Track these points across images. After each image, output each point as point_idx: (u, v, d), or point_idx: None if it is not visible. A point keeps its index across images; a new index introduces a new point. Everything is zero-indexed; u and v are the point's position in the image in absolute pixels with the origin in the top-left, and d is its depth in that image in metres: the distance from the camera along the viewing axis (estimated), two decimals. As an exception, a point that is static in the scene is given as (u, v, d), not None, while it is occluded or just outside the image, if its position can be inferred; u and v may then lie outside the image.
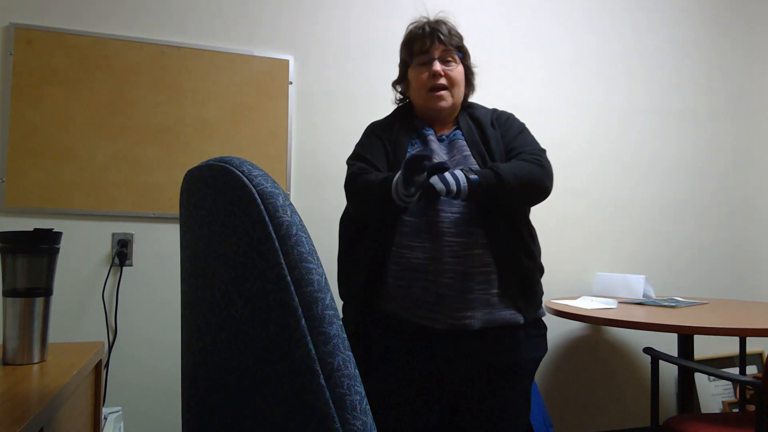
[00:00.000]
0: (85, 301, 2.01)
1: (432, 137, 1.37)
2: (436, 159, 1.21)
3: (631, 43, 2.80)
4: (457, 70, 1.40)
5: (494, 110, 1.47)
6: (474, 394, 1.30)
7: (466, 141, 1.36)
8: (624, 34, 2.80)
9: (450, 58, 1.39)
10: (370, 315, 1.31)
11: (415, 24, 1.44)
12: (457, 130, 1.40)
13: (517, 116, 1.48)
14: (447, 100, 1.38)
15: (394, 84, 1.52)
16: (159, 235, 2.10)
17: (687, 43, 2.91)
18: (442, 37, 1.37)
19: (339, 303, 1.24)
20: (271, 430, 0.54)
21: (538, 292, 1.35)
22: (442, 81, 1.36)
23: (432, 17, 1.43)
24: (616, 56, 2.78)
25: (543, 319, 1.38)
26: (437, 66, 1.36)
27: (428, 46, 1.37)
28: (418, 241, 1.26)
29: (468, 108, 1.48)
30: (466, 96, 1.48)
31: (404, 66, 1.46)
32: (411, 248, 1.26)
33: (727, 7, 3.00)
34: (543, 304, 1.38)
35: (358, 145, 1.44)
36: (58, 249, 1.00)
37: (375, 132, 1.43)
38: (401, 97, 1.52)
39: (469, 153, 1.33)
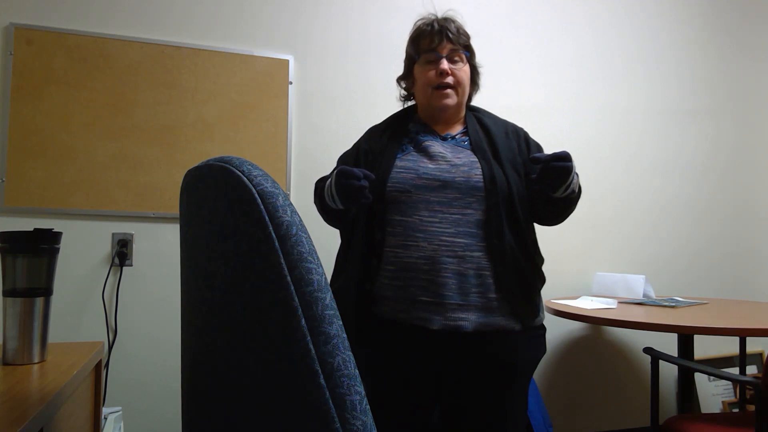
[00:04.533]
0: (85, 301, 2.01)
1: (430, 143, 1.36)
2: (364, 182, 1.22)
3: (631, 42, 2.80)
4: (464, 70, 1.39)
5: (507, 122, 1.47)
6: (473, 394, 1.30)
7: (472, 146, 1.36)
8: (624, 33, 2.80)
9: (457, 58, 1.38)
10: (368, 315, 1.31)
11: (423, 20, 1.42)
12: (465, 135, 1.40)
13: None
14: (452, 98, 1.37)
15: (399, 80, 1.51)
16: (159, 235, 2.10)
17: (688, 42, 2.91)
18: (450, 35, 1.36)
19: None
20: (271, 430, 0.54)
21: (537, 301, 1.34)
22: (449, 80, 1.36)
23: (440, 15, 1.42)
24: (617, 56, 2.78)
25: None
26: (445, 64, 1.35)
27: (436, 43, 1.36)
28: (412, 240, 1.26)
29: (474, 111, 1.47)
30: (471, 96, 1.48)
31: (410, 62, 1.45)
32: (406, 247, 1.26)
33: (727, 7, 3.00)
34: (542, 311, 1.37)
35: (343, 154, 1.48)
36: (58, 249, 1.00)
37: (360, 143, 1.45)
38: (405, 93, 1.51)
39: (476, 159, 1.33)
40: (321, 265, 0.55)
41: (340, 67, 2.35)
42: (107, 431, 1.56)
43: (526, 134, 1.45)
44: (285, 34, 2.30)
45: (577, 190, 1.32)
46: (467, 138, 1.38)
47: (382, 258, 1.28)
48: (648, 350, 1.71)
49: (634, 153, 2.77)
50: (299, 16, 2.32)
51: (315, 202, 1.42)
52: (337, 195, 1.22)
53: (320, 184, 1.40)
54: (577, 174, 1.28)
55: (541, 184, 1.23)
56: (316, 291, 0.53)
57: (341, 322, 0.54)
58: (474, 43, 1.46)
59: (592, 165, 2.69)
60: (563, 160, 1.19)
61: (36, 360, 0.96)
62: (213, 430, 0.64)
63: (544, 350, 1.37)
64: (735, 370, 2.72)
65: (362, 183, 1.17)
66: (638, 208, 2.76)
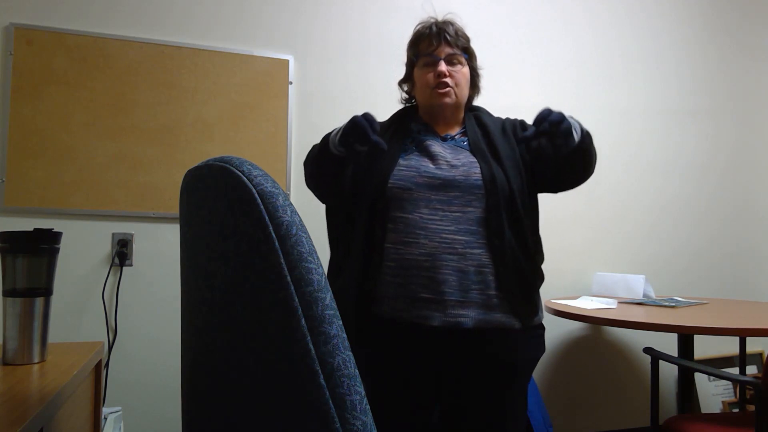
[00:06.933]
0: (85, 301, 2.01)
1: (431, 142, 1.36)
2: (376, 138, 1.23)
3: (631, 42, 2.81)
4: (462, 72, 1.40)
5: (503, 119, 1.47)
6: (473, 394, 1.30)
7: (471, 147, 1.36)
8: (624, 33, 2.80)
9: (456, 60, 1.39)
10: (368, 315, 1.30)
11: (422, 24, 1.44)
12: (464, 136, 1.40)
13: (518, 116, 1.49)
14: (451, 96, 1.38)
15: (400, 83, 1.52)
16: (159, 235, 2.10)
17: (688, 42, 2.91)
18: (448, 38, 1.38)
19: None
20: (271, 430, 0.54)
21: (537, 300, 1.34)
22: (447, 81, 1.37)
23: (440, 18, 1.44)
24: (617, 56, 2.78)
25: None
26: (442, 66, 1.36)
27: (434, 46, 1.38)
28: (413, 237, 1.26)
29: (474, 111, 1.48)
30: (471, 98, 1.49)
31: (410, 65, 1.47)
32: (407, 244, 1.26)
33: (727, 7, 3.00)
34: (542, 310, 1.38)
35: None
36: (58, 249, 1.00)
37: None
38: (407, 96, 1.52)
39: (475, 160, 1.33)
40: (321, 265, 0.55)
41: (340, 67, 2.35)
42: (107, 431, 1.56)
43: (522, 122, 1.46)
44: (285, 34, 2.30)
45: (580, 128, 1.28)
46: (466, 138, 1.39)
47: (383, 255, 1.28)
48: (648, 350, 1.71)
49: (634, 153, 2.77)
50: (299, 16, 2.32)
51: (305, 162, 1.40)
52: (345, 129, 1.22)
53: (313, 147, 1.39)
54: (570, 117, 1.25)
55: (554, 146, 1.22)
56: (316, 291, 0.53)
57: (341, 322, 0.54)
58: (474, 43, 1.46)
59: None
60: (546, 118, 1.18)
61: (36, 360, 0.96)
62: (213, 430, 0.64)
63: (543, 349, 1.37)
64: (735, 370, 2.72)
65: (374, 135, 1.19)
66: (638, 208, 2.76)
